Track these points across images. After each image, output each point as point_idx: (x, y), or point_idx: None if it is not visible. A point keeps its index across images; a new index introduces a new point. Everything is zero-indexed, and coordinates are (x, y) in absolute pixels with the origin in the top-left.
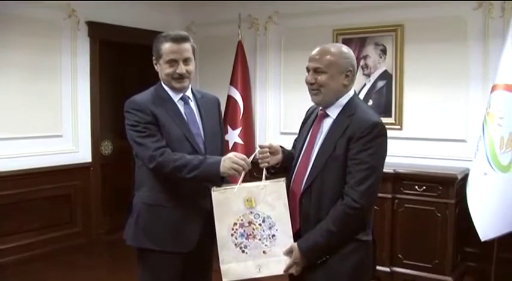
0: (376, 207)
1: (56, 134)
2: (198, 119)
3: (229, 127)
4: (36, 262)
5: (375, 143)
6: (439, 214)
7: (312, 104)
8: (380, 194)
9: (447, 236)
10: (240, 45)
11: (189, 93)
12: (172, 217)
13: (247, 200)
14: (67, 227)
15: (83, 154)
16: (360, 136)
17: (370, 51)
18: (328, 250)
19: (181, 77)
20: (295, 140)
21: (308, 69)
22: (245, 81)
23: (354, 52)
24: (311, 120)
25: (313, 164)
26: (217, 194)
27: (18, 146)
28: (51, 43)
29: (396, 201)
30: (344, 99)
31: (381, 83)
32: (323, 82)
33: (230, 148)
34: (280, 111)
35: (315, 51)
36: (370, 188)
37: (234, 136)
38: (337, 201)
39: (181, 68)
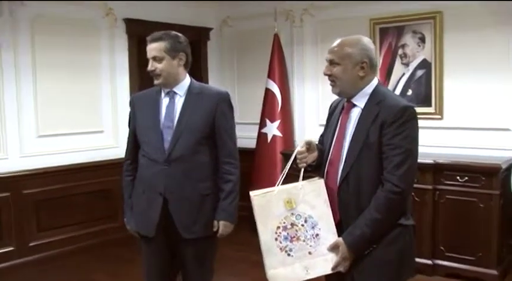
0: (416, 198)
1: (97, 130)
2: (176, 114)
3: (267, 120)
4: (80, 255)
5: (407, 127)
6: (482, 205)
7: (326, 100)
8: (420, 185)
9: (491, 228)
10: (276, 38)
11: (179, 89)
12: (142, 202)
13: (287, 202)
14: (109, 221)
15: (123, 149)
16: (392, 121)
17: (408, 39)
18: (374, 240)
19: (152, 74)
20: (321, 135)
21: (326, 61)
22: (282, 74)
23: (391, 41)
24: (337, 113)
25: (346, 154)
26: (259, 198)
27: (61, 143)
28: (90, 41)
29: (437, 192)
30: (369, 89)
31: (420, 72)
32: (336, 74)
33: (269, 140)
34: (318, 103)
35: (333, 43)
36: (409, 171)
37: (272, 129)
38: (375, 188)
39: (149, 66)
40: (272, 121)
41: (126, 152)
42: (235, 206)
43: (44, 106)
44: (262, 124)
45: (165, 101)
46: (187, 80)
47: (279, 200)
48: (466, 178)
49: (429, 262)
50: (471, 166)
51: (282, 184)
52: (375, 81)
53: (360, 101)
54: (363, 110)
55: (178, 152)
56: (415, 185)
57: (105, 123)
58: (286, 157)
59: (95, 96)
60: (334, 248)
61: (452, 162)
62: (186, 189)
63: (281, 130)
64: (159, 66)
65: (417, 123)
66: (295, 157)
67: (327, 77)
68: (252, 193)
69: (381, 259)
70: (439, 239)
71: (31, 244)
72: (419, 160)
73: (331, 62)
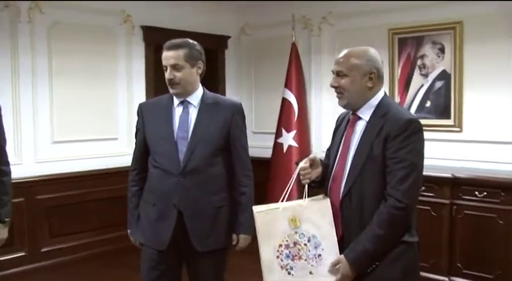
0: (433, 213)
1: (112, 137)
2: (190, 125)
3: (283, 130)
4: (92, 261)
5: (412, 140)
6: (501, 222)
7: (343, 111)
8: (438, 200)
9: (510, 246)
10: (294, 47)
11: (192, 98)
12: (152, 214)
13: (291, 220)
14: (122, 228)
15: None
16: (397, 134)
17: (428, 50)
18: (377, 256)
19: (171, 83)
20: (328, 149)
21: (333, 73)
22: (299, 83)
23: (410, 52)
24: (343, 127)
25: (350, 168)
26: (263, 215)
27: (75, 149)
28: (107, 48)
29: (455, 207)
30: (374, 101)
31: (439, 84)
32: (344, 86)
33: (285, 150)
34: (335, 114)
35: (340, 55)
36: (413, 186)
37: (288, 139)
38: (379, 203)
39: (168, 74)
40: (288, 131)
41: (132, 162)
42: (252, 218)
43: (60, 112)
44: (278, 134)
45: (178, 110)
46: (200, 90)
47: (283, 218)
48: (485, 193)
49: (446, 279)
50: (490, 180)
51: (286, 199)
52: (381, 93)
53: (365, 114)
54: (368, 123)
55: (193, 163)
56: (431, 200)
57: (120, 131)
58: None
59: (110, 103)
60: (335, 265)
61: (471, 176)
62: (201, 201)
63: (297, 140)
64: (178, 74)
65: (423, 137)
66: (299, 172)
67: None
68: (255, 210)
69: (384, 276)
70: (456, 255)
71: (43, 250)
72: (436, 174)
73: (339, 74)
